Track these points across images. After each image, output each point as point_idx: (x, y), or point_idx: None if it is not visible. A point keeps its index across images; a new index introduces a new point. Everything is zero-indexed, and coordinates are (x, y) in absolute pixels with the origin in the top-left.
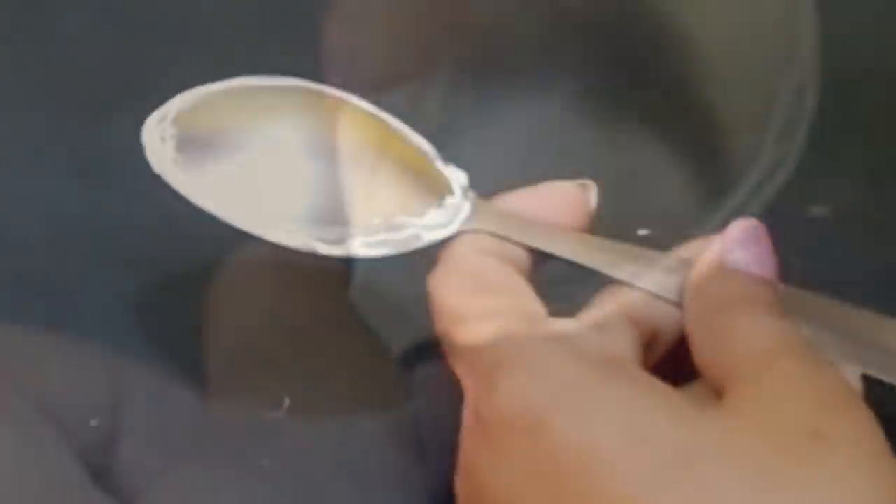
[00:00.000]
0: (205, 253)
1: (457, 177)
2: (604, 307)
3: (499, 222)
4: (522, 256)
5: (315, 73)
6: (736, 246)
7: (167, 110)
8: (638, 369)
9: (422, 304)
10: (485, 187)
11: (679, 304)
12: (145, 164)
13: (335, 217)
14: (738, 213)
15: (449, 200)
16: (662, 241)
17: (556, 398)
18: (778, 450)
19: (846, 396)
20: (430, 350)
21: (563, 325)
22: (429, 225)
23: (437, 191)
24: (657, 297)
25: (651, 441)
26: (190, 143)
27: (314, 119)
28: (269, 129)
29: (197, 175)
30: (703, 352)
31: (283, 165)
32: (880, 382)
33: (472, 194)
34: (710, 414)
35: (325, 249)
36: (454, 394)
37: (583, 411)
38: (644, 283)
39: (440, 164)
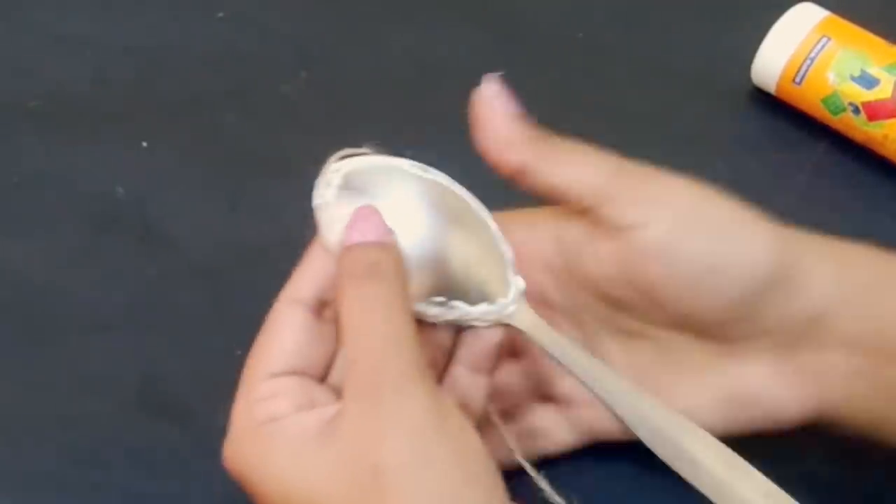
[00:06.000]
0: None
1: (516, 283)
2: None
3: (535, 331)
4: None
5: None
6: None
7: (340, 166)
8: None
9: None
10: None
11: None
12: None
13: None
14: None
15: (500, 301)
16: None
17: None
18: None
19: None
20: None
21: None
22: (476, 314)
23: (495, 291)
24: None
25: None
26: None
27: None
28: (399, 198)
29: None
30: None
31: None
32: None
33: (523, 302)
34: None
35: None
36: None
37: None
38: None
39: (509, 271)
